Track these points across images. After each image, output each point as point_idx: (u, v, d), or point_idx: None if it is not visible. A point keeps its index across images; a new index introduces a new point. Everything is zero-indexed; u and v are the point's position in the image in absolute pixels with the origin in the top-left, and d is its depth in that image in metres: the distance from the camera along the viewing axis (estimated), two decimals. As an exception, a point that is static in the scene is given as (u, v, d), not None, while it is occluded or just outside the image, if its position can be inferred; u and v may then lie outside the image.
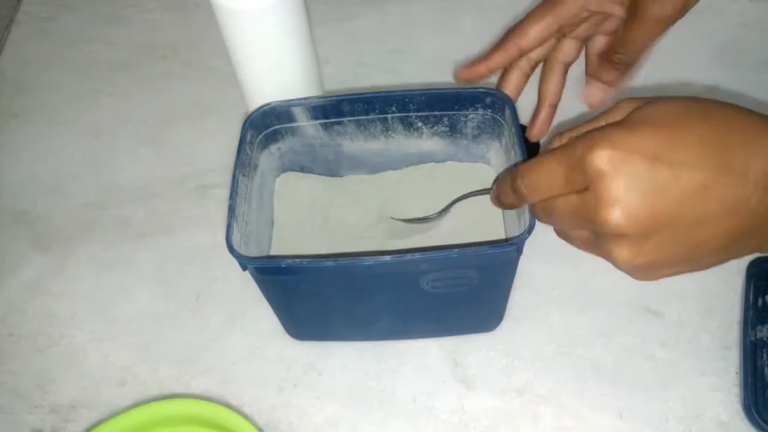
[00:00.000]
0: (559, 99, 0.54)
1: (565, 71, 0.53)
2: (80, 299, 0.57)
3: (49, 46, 0.74)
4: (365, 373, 0.52)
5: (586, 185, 0.33)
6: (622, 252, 0.33)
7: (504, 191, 0.40)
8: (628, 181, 0.32)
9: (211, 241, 0.59)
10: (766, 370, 0.49)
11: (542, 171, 0.36)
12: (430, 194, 0.52)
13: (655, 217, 0.32)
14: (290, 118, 0.50)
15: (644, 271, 0.34)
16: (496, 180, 0.42)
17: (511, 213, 0.48)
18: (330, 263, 0.42)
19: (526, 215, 0.42)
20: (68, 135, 0.67)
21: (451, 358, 0.52)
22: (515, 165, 0.41)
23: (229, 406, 0.50)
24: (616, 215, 0.32)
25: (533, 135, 0.55)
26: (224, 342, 0.54)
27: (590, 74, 0.51)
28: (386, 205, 0.53)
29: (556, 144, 0.39)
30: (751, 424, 0.48)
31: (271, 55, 0.52)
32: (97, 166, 0.65)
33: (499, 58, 0.50)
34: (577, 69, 0.52)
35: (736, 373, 0.50)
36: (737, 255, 0.34)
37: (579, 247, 0.38)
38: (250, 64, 0.53)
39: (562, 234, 0.39)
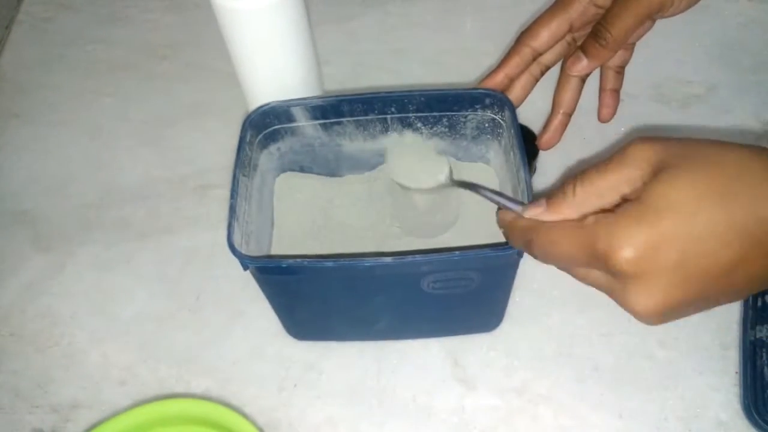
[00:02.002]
0: (573, 109, 0.54)
1: (582, 82, 0.53)
2: (80, 299, 0.57)
3: (49, 46, 0.74)
4: (365, 373, 0.52)
5: (609, 272, 0.33)
6: (649, 319, 0.34)
7: (515, 240, 0.39)
8: (655, 280, 0.32)
9: (212, 240, 0.59)
10: (765, 369, 0.49)
11: (559, 245, 0.35)
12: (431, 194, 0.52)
13: (683, 300, 0.32)
14: (290, 118, 0.50)
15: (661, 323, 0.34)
16: (507, 221, 0.40)
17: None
18: (330, 263, 0.42)
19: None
20: (68, 135, 0.67)
21: (451, 358, 0.52)
22: (525, 205, 0.39)
23: (229, 406, 0.50)
24: (643, 306, 0.33)
25: (543, 143, 0.54)
26: (224, 342, 0.54)
27: (582, 50, 0.51)
28: (386, 205, 0.53)
29: (569, 195, 0.36)
30: (751, 423, 0.48)
31: (271, 55, 0.52)
32: (97, 166, 0.65)
33: (514, 63, 0.51)
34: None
35: (736, 372, 0.50)
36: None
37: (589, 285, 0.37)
38: (250, 64, 0.53)
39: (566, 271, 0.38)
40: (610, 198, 0.34)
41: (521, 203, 0.41)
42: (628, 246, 0.31)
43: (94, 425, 0.49)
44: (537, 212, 0.37)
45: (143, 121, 0.67)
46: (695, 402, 0.49)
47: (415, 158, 0.51)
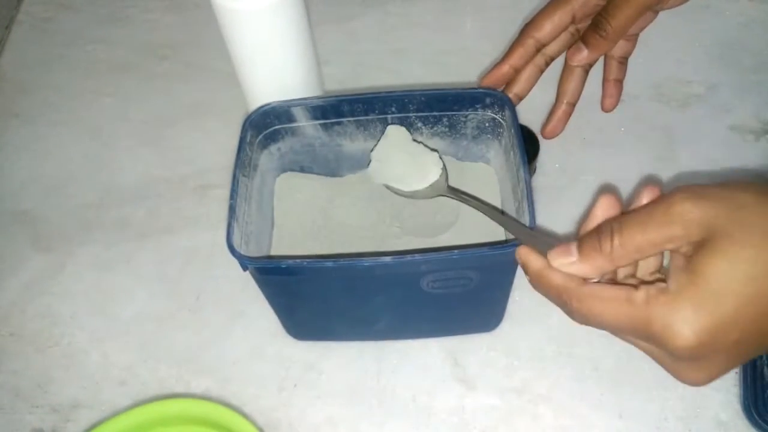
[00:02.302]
0: (577, 98, 0.54)
1: (586, 73, 0.54)
2: (80, 299, 0.57)
3: (49, 46, 0.74)
4: (365, 373, 0.52)
5: (662, 349, 0.32)
6: (698, 385, 0.34)
7: (543, 292, 0.37)
8: (712, 360, 0.32)
9: (212, 241, 0.59)
10: (765, 370, 0.49)
11: (605, 318, 0.33)
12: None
13: (734, 367, 0.33)
14: (290, 118, 0.50)
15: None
16: (534, 269, 0.37)
17: (511, 213, 0.48)
18: (330, 264, 0.42)
19: (527, 216, 0.42)
20: (68, 135, 0.67)
21: (451, 358, 0.52)
22: (550, 245, 0.36)
23: (229, 406, 0.50)
24: (696, 380, 0.33)
25: (547, 132, 0.55)
26: (224, 342, 0.54)
27: (583, 40, 0.51)
28: (386, 205, 0.53)
29: (605, 248, 0.33)
30: (751, 424, 0.48)
31: (271, 55, 0.52)
32: (97, 166, 0.65)
33: (518, 54, 0.51)
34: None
35: (736, 373, 0.50)
36: None
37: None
38: (250, 64, 0.53)
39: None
40: (649, 253, 0.33)
41: (528, 230, 0.39)
42: (688, 334, 0.30)
43: (94, 425, 0.49)
44: (567, 262, 0.35)
45: (143, 121, 0.67)
46: (695, 402, 0.49)
47: (402, 160, 0.50)
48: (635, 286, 0.33)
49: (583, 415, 0.49)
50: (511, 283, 0.48)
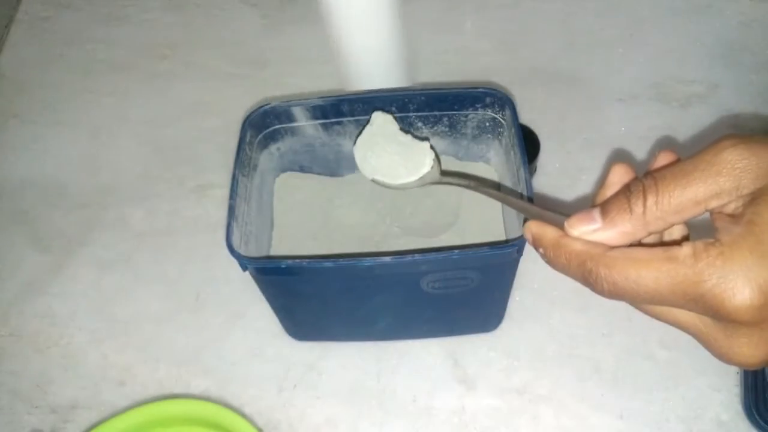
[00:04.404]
0: None
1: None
2: (80, 299, 0.57)
3: (49, 46, 0.74)
4: (365, 373, 0.52)
5: (712, 316, 0.27)
6: (751, 366, 0.28)
7: (561, 266, 0.31)
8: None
9: (211, 241, 0.59)
10: (766, 370, 0.49)
11: (641, 283, 0.27)
12: (430, 193, 0.52)
13: None
14: (290, 118, 0.50)
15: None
16: (548, 239, 0.31)
17: (512, 213, 0.47)
18: (329, 264, 0.42)
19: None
20: (68, 135, 0.67)
21: (451, 358, 0.52)
22: (565, 216, 0.31)
23: (229, 406, 0.50)
24: (751, 356, 0.27)
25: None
26: (224, 342, 0.54)
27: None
28: (386, 205, 0.53)
29: (637, 210, 0.28)
30: (752, 424, 0.48)
31: (371, 33, 0.52)
32: (96, 165, 0.65)
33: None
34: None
35: (737, 373, 0.50)
36: None
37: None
38: (351, 41, 0.52)
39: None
40: (691, 214, 0.28)
41: (534, 206, 0.34)
42: (751, 290, 0.25)
43: (94, 425, 0.49)
44: (590, 229, 0.29)
45: (143, 121, 0.67)
46: (696, 402, 0.49)
47: (390, 150, 0.46)
48: (677, 242, 0.28)
49: (584, 415, 0.49)
50: (511, 283, 0.48)
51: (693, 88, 0.65)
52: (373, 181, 0.45)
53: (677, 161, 0.29)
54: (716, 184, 0.27)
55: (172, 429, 0.49)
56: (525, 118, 0.52)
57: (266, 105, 0.49)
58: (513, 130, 0.47)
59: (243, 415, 0.48)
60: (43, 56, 0.73)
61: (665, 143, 0.61)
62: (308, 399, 0.51)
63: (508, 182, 0.49)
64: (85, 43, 0.74)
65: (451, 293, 0.46)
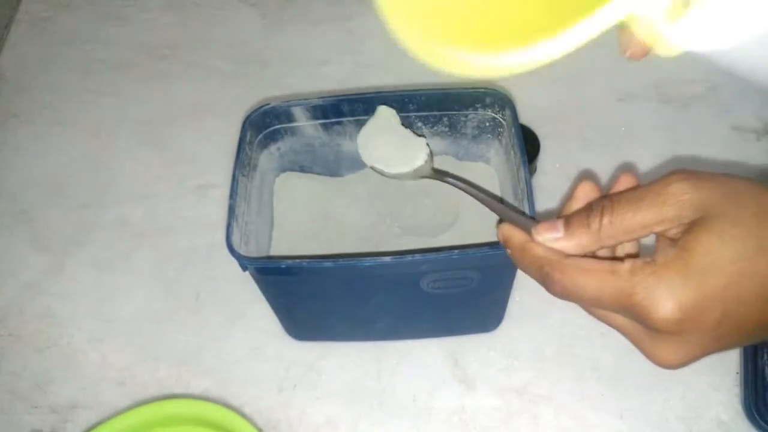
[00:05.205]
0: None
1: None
2: (80, 299, 0.57)
3: (49, 46, 0.74)
4: (365, 373, 0.52)
5: (641, 323, 0.31)
6: (670, 368, 0.32)
7: (524, 267, 0.35)
8: (691, 338, 0.30)
9: (211, 241, 0.59)
10: (766, 370, 0.49)
11: (587, 289, 0.32)
12: (430, 193, 0.52)
13: (710, 352, 0.31)
14: (290, 118, 0.50)
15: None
16: (515, 243, 0.36)
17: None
18: (329, 264, 0.42)
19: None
20: (68, 135, 0.67)
21: (451, 358, 0.52)
22: (534, 222, 0.35)
23: (228, 406, 0.50)
24: (670, 360, 0.32)
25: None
26: (224, 342, 0.54)
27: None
28: (386, 205, 0.53)
29: (593, 226, 0.32)
30: (752, 424, 0.48)
31: None
32: (96, 166, 0.65)
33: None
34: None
35: (737, 373, 0.50)
36: None
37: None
38: None
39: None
40: (638, 234, 0.32)
41: (511, 209, 0.38)
42: (672, 306, 0.29)
43: (94, 425, 0.49)
44: (552, 237, 0.34)
45: (142, 121, 0.67)
46: (696, 402, 0.49)
47: (390, 141, 0.48)
48: (621, 259, 0.32)
49: (584, 415, 0.49)
50: (511, 283, 0.48)
51: (693, 88, 0.65)
52: (371, 168, 0.47)
53: (635, 187, 0.34)
54: (661, 212, 0.31)
55: (172, 429, 0.49)
56: (525, 118, 0.52)
57: (266, 105, 0.49)
58: (513, 130, 0.47)
59: (243, 415, 0.48)
60: (44, 56, 0.73)
61: (665, 142, 0.61)
62: (308, 399, 0.51)
63: (508, 182, 0.49)
64: (85, 43, 0.74)
65: (451, 293, 0.46)
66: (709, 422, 0.48)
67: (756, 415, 0.47)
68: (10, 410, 0.52)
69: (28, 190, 0.64)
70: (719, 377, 0.50)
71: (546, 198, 0.58)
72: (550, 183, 0.59)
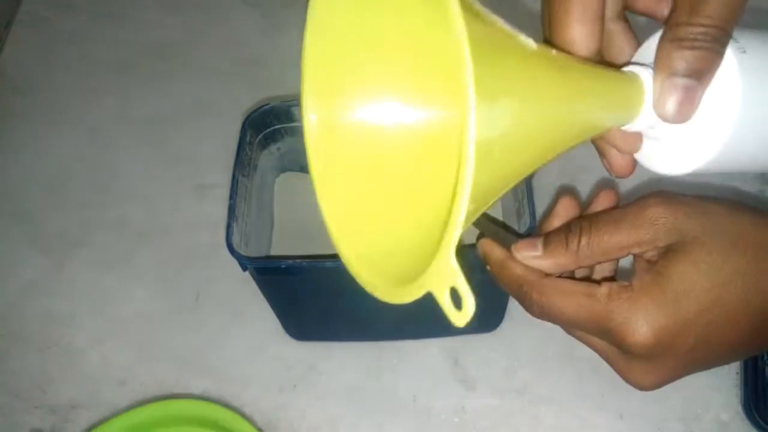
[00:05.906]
0: None
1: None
2: (80, 299, 0.57)
3: (49, 46, 0.74)
4: (365, 373, 0.52)
5: (617, 346, 0.32)
6: (644, 390, 0.33)
7: (503, 284, 0.36)
8: (665, 362, 0.31)
9: (211, 241, 0.59)
10: (766, 370, 0.49)
11: (564, 311, 0.32)
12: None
13: (684, 375, 0.32)
14: (290, 118, 0.50)
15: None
16: (494, 260, 0.36)
17: (511, 214, 0.47)
18: (329, 264, 0.42)
19: (527, 217, 0.42)
20: (68, 135, 0.67)
21: (451, 358, 0.52)
22: (514, 240, 0.35)
23: (228, 406, 0.50)
24: (644, 382, 0.32)
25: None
26: (224, 342, 0.54)
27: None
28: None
29: (572, 246, 0.33)
30: (752, 424, 0.48)
31: None
32: (96, 165, 0.65)
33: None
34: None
35: (737, 373, 0.50)
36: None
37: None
38: None
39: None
40: (615, 256, 0.33)
41: (494, 225, 0.38)
42: (647, 331, 0.30)
43: (94, 425, 0.49)
44: (530, 255, 0.34)
45: (143, 120, 0.67)
46: (696, 403, 0.49)
47: None
48: (598, 282, 0.32)
49: (584, 416, 0.49)
50: (511, 283, 0.48)
51: (693, 88, 0.65)
52: None
53: (615, 206, 0.35)
54: (638, 235, 0.31)
55: (172, 429, 0.49)
56: (525, 118, 0.52)
57: (266, 105, 0.49)
58: (513, 130, 0.47)
59: (243, 415, 0.48)
60: (44, 56, 0.73)
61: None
62: (308, 399, 0.51)
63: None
64: (86, 43, 0.74)
65: (451, 293, 0.46)
66: (709, 422, 0.48)
67: (756, 415, 0.47)
68: (10, 410, 0.52)
69: (28, 189, 0.64)
70: (719, 377, 0.50)
71: (546, 198, 0.58)
72: (550, 183, 0.59)
